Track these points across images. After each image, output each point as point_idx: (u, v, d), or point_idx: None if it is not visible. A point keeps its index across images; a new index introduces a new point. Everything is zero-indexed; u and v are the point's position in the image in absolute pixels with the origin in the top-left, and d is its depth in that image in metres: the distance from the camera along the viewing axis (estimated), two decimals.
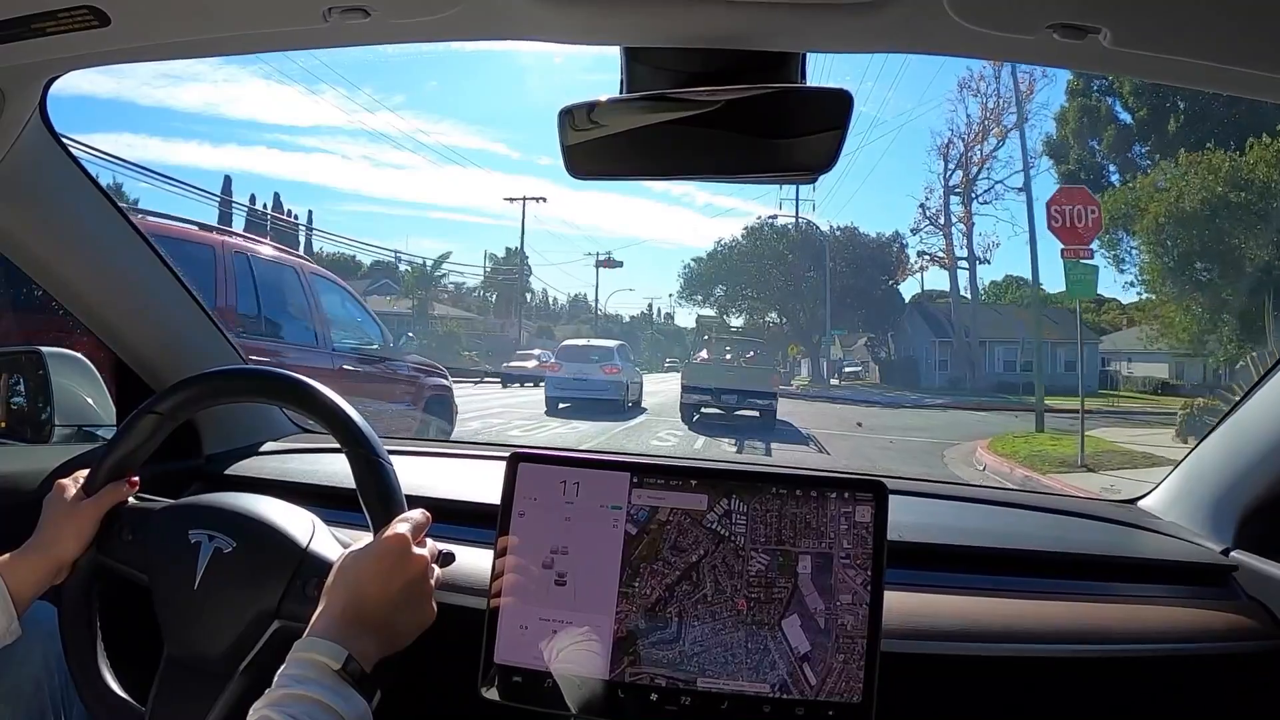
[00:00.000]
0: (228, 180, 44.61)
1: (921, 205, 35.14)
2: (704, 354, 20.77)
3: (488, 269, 47.61)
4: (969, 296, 34.85)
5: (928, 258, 35.92)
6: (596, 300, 50.72)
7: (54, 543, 1.09)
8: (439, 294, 43.08)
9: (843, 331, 37.87)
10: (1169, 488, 1.55)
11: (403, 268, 41.13)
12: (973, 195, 33.59)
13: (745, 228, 40.52)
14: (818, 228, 39.18)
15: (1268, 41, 0.82)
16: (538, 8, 0.88)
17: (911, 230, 36.80)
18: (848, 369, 39.63)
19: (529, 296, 50.47)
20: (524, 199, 40.67)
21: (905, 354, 37.48)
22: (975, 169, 33.44)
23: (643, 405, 17.99)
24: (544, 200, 42.91)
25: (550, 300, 57.64)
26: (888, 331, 39.13)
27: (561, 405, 16.50)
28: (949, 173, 34.10)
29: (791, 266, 38.42)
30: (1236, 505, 1.37)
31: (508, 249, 47.03)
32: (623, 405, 16.92)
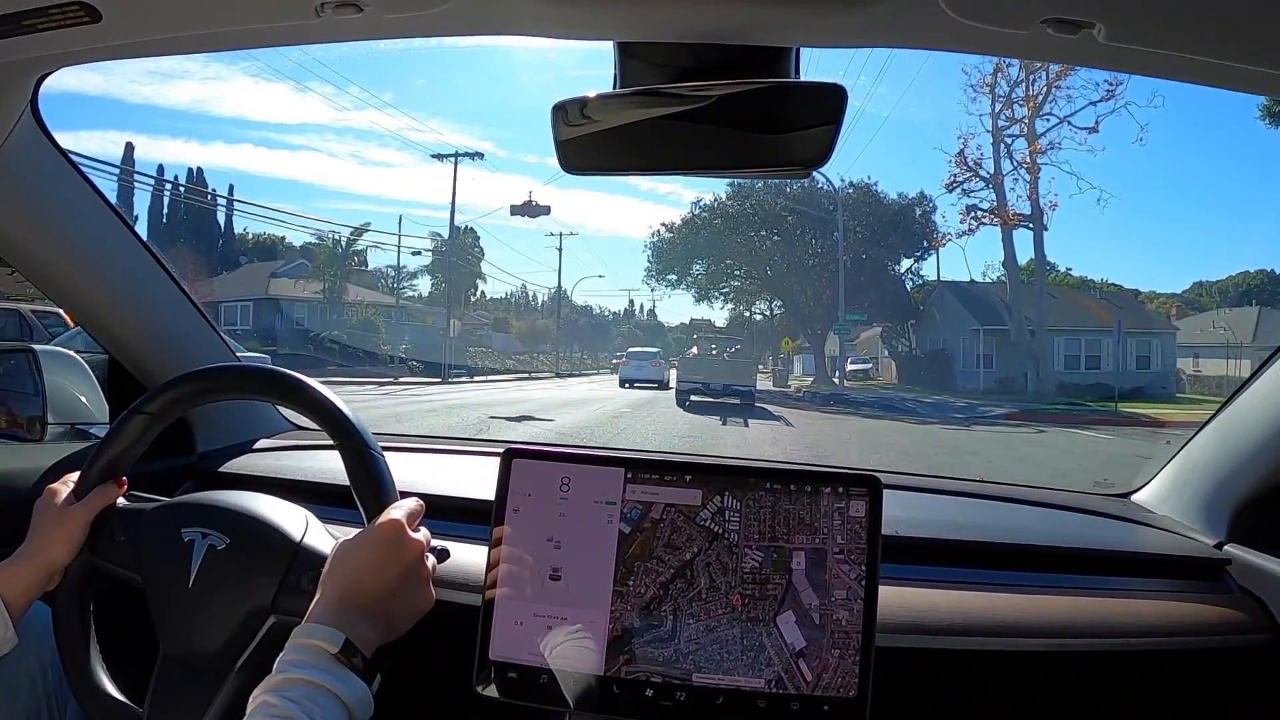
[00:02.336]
0: (129, 148, 42.30)
1: (960, 153, 27.47)
2: (694, 350, 24.76)
3: (424, 250, 39.98)
4: (1030, 277, 27.15)
5: (977, 214, 27.52)
6: (559, 288, 45.69)
7: (45, 549, 1.09)
8: (362, 276, 36.98)
9: (862, 316, 30.41)
10: (1162, 481, 1.56)
11: (332, 246, 34.78)
12: (1036, 134, 25.83)
13: (731, 183, 30.96)
14: (827, 181, 28.86)
15: (1261, 37, 0.83)
16: (530, 2, 0.88)
17: (946, 186, 28.55)
18: (853, 365, 32.55)
19: (479, 283, 44.97)
20: (455, 155, 33.63)
21: (933, 347, 30.44)
22: (1042, 95, 25.49)
23: (669, 385, 24.07)
24: (481, 156, 37.27)
25: (530, 294, 53.55)
26: (907, 319, 31.84)
27: (625, 384, 25.82)
28: (998, 111, 26.48)
29: (791, 234, 31.12)
30: (1229, 499, 1.38)
31: (455, 228, 39.18)
32: (663, 384, 25.18)
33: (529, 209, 31.84)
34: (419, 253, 38.42)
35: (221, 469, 1.62)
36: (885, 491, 1.04)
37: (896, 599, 1.20)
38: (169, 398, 1.15)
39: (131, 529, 1.11)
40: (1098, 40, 0.83)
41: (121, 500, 1.15)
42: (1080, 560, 1.36)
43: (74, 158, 1.36)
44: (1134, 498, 1.60)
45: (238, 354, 1.94)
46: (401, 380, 24.46)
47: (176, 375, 1.17)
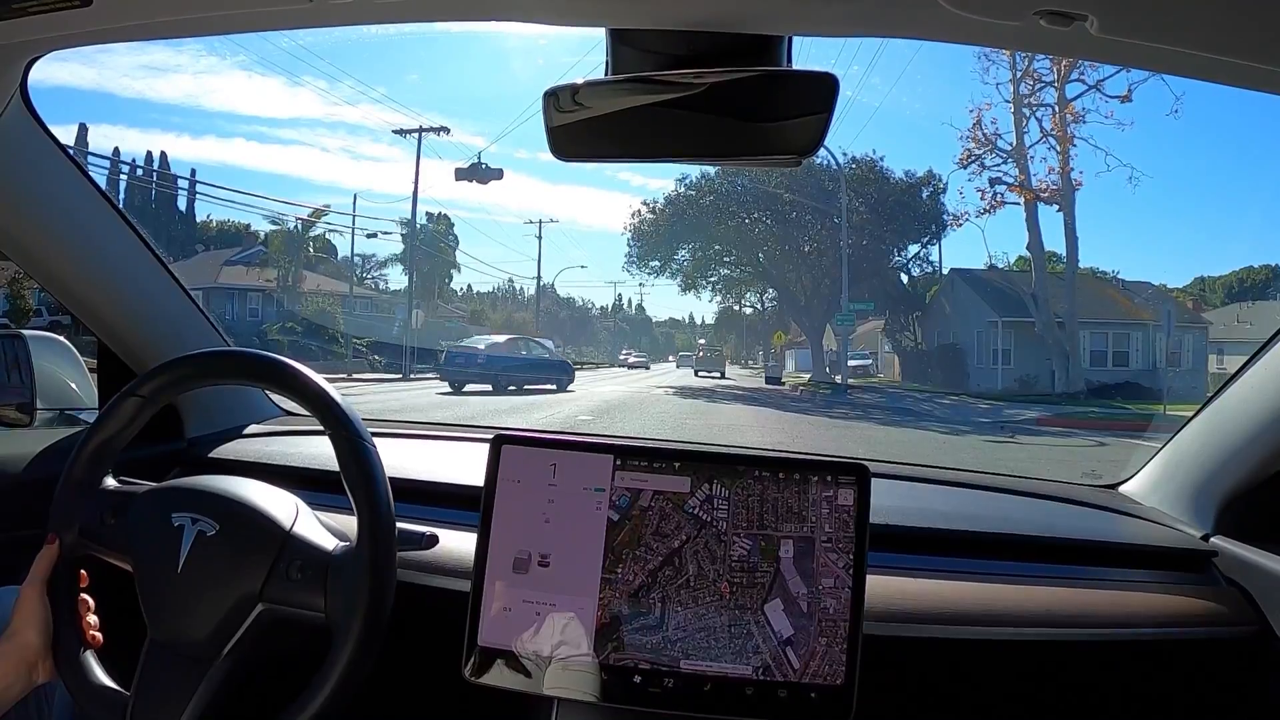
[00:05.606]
0: (82, 129, 41.24)
1: (975, 124, 23.75)
2: (700, 353, 35.97)
3: (381, 233, 38.52)
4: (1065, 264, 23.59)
5: (1001, 189, 23.46)
6: (539, 278, 42.44)
7: (12, 633, 1.05)
8: (329, 266, 34.76)
9: (869, 306, 27.00)
10: (1150, 473, 1.57)
11: (289, 231, 31.98)
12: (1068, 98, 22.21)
13: None
14: (829, 154, 24.49)
15: (1255, 32, 0.83)
16: None
17: (960, 163, 24.36)
18: (852, 361, 27.83)
19: (454, 273, 42.21)
20: (419, 130, 29.22)
21: (943, 341, 27.14)
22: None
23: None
24: (446, 132, 31.20)
25: (518, 288, 51.41)
26: (913, 311, 28.72)
27: (679, 368, 36.44)
28: (1019, 77, 22.61)
29: (786, 216, 27.71)
30: (1216, 491, 1.38)
31: (429, 214, 37.19)
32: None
33: (477, 172, 27.02)
34: (374, 235, 36.67)
35: (211, 454, 1.61)
36: (873, 480, 1.05)
37: (884, 588, 1.21)
38: (163, 381, 1.14)
39: (122, 512, 1.11)
40: (1090, 32, 0.83)
41: (113, 482, 1.15)
42: (1068, 551, 1.37)
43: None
44: (1122, 489, 1.61)
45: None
46: (356, 376, 22.14)
47: (167, 359, 1.17)
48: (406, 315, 28.90)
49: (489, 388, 17.42)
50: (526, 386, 18.11)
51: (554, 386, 18.75)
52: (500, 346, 20.17)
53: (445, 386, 18.05)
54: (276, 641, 1.08)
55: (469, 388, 17.46)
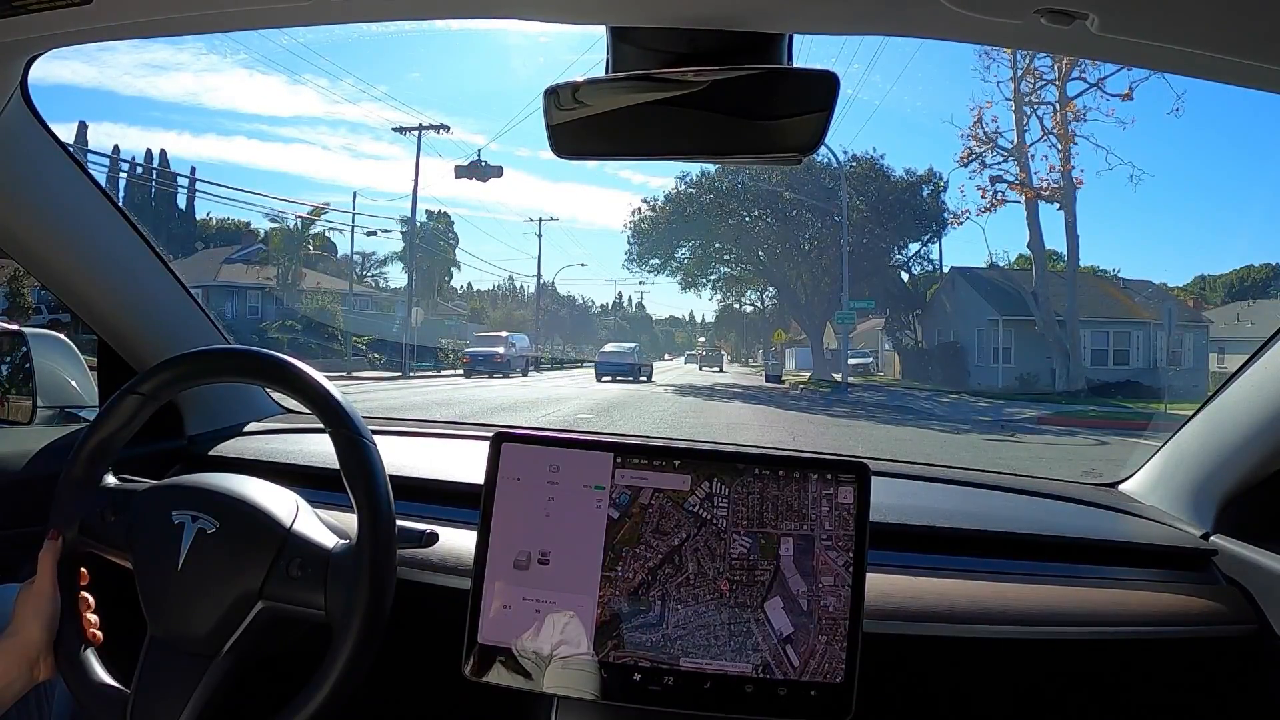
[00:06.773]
0: (82, 127, 41.65)
1: (976, 122, 23.73)
2: (701, 351, 44.06)
3: (381, 230, 39.35)
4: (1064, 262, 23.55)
5: (1002, 187, 23.35)
6: (539, 276, 42.74)
7: (15, 630, 1.05)
8: (329, 264, 35.06)
9: (870, 304, 27.00)
10: (1150, 472, 1.57)
11: (288, 229, 31.84)
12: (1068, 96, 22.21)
13: None
14: (830, 153, 24.53)
15: (1256, 31, 0.82)
16: None
17: (961, 161, 24.34)
18: (852, 360, 27.47)
19: (454, 271, 42.81)
20: (419, 128, 29.27)
21: (943, 339, 26.88)
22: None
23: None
24: (446, 129, 32.56)
25: (518, 285, 51.81)
26: (913, 309, 28.46)
27: (686, 363, 42.47)
28: (1020, 75, 22.55)
29: (786, 214, 27.86)
30: (1216, 490, 1.38)
31: (429, 212, 37.45)
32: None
33: (476, 170, 27.20)
34: (374, 233, 36.57)
35: (211, 452, 1.61)
36: (873, 479, 1.05)
37: (884, 586, 1.21)
38: (162, 378, 1.14)
39: (123, 509, 1.11)
40: (1091, 31, 0.83)
41: (113, 480, 1.15)
42: (1068, 549, 1.37)
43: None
44: (1122, 487, 1.61)
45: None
46: (355, 375, 22.52)
47: (167, 357, 1.17)
48: (406, 313, 29.16)
49: (610, 378, 24.60)
50: (639, 378, 25.40)
51: (645, 378, 25.95)
52: (627, 356, 27.65)
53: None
54: (276, 639, 1.08)
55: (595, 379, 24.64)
